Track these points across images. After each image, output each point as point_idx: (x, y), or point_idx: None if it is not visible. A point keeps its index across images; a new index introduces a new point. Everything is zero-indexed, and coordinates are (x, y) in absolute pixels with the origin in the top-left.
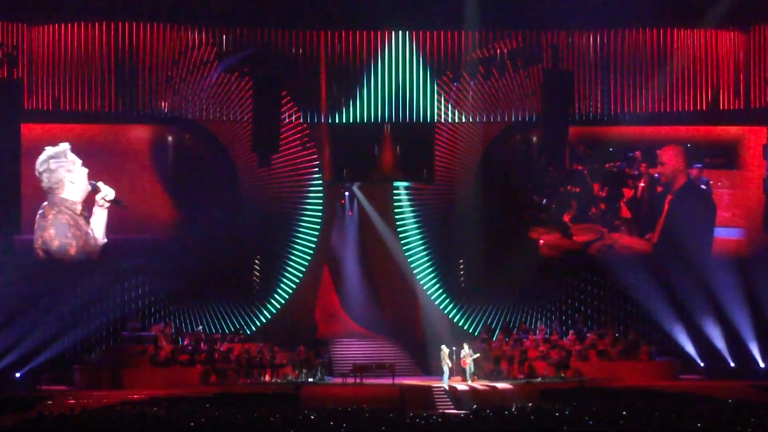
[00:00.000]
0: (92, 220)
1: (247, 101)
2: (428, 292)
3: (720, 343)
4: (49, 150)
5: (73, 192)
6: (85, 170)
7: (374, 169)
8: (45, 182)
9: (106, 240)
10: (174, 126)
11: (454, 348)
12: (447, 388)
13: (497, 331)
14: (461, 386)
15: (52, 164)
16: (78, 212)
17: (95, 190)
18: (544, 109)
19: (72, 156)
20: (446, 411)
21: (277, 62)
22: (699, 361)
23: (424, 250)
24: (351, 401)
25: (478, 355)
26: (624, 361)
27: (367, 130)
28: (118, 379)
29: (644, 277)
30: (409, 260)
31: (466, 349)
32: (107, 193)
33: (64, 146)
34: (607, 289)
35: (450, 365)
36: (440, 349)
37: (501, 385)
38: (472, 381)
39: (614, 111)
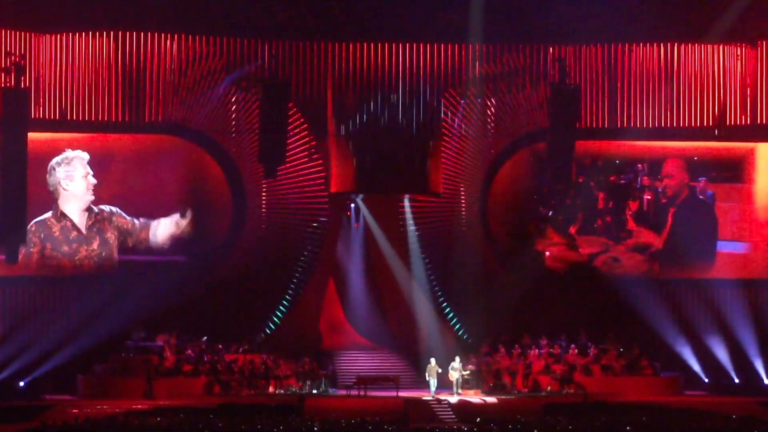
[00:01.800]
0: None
1: (254, 112)
2: (432, 305)
3: (724, 359)
4: (62, 155)
5: (65, 199)
6: (84, 183)
7: (379, 182)
8: (48, 185)
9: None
10: (180, 136)
11: (455, 360)
12: (432, 398)
13: (500, 345)
14: (450, 399)
15: (56, 169)
16: (56, 218)
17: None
18: (551, 122)
19: (78, 165)
20: (449, 424)
21: (284, 74)
22: (703, 376)
23: (428, 263)
24: (354, 413)
25: (467, 372)
26: (628, 376)
27: (374, 142)
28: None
29: (649, 291)
30: (412, 273)
31: (456, 363)
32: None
33: (75, 154)
34: (611, 302)
35: (435, 376)
36: (430, 362)
37: (490, 399)
38: (457, 395)
39: (620, 125)
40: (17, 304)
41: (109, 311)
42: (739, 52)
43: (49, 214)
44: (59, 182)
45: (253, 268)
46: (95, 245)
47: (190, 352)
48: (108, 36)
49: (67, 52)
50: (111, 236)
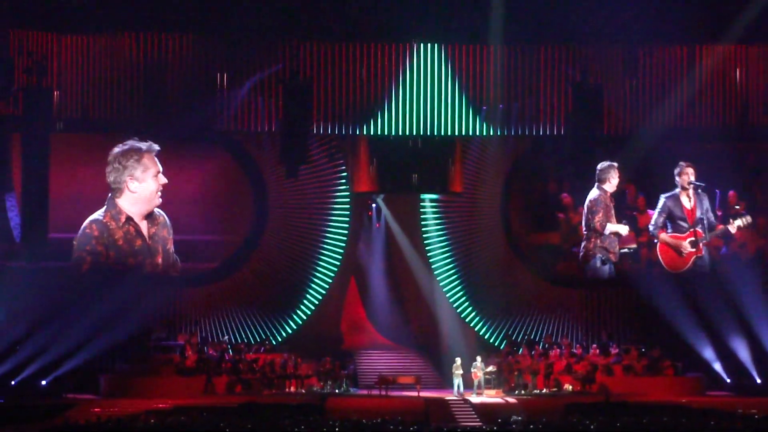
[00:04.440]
0: None
1: (276, 112)
2: (453, 305)
3: (747, 359)
4: (125, 144)
5: (130, 201)
6: (155, 183)
7: (401, 181)
8: (109, 179)
9: None
10: (202, 137)
11: (477, 360)
12: (457, 397)
13: (522, 344)
14: (474, 399)
15: (122, 163)
16: (119, 222)
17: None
18: (573, 123)
19: (148, 161)
20: (470, 424)
21: (306, 74)
22: (725, 377)
23: (449, 262)
24: (376, 413)
25: (488, 371)
26: (650, 377)
27: (395, 142)
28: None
29: (670, 291)
30: (434, 273)
31: (477, 362)
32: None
33: (145, 146)
34: (632, 302)
35: (460, 376)
36: (455, 361)
37: (511, 399)
38: (477, 395)
39: (642, 125)
40: (39, 303)
41: (131, 310)
42: (762, 52)
43: (102, 213)
44: (126, 181)
45: (274, 269)
46: (159, 259)
47: (211, 351)
48: (130, 37)
49: (89, 53)
50: (171, 248)
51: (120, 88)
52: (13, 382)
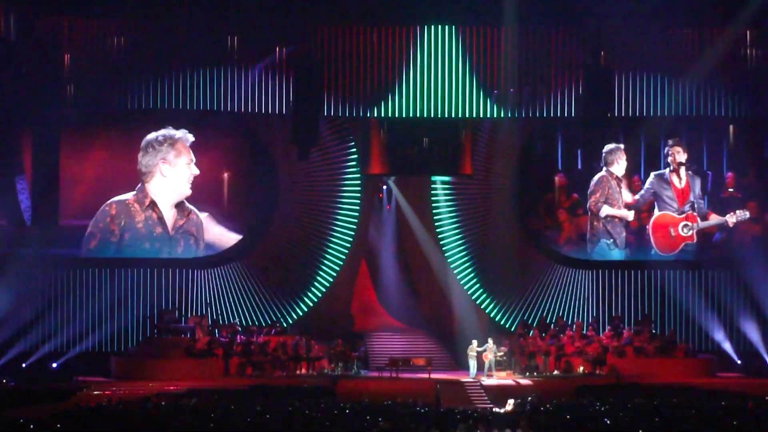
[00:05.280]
0: None
1: (287, 94)
2: (464, 287)
3: (757, 341)
4: (160, 132)
5: (158, 186)
6: (187, 172)
7: (412, 163)
8: (141, 163)
9: None
10: (213, 121)
11: (488, 341)
12: (473, 380)
13: (533, 327)
14: (485, 381)
15: (156, 147)
16: (143, 206)
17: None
18: (584, 106)
19: (183, 149)
20: (481, 405)
21: (318, 56)
22: (736, 359)
23: (460, 244)
24: (387, 395)
25: (500, 353)
26: (661, 358)
27: (406, 124)
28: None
29: (682, 274)
30: (445, 255)
31: (489, 344)
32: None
33: (180, 134)
34: (644, 285)
35: (475, 358)
36: (471, 343)
37: (523, 380)
38: (487, 376)
39: (654, 109)
40: (49, 284)
41: (141, 293)
42: None
43: (129, 196)
44: (158, 164)
45: (285, 251)
46: (179, 250)
47: (224, 333)
48: (143, 22)
49: (100, 35)
50: (194, 245)
51: (132, 71)
52: (24, 365)
